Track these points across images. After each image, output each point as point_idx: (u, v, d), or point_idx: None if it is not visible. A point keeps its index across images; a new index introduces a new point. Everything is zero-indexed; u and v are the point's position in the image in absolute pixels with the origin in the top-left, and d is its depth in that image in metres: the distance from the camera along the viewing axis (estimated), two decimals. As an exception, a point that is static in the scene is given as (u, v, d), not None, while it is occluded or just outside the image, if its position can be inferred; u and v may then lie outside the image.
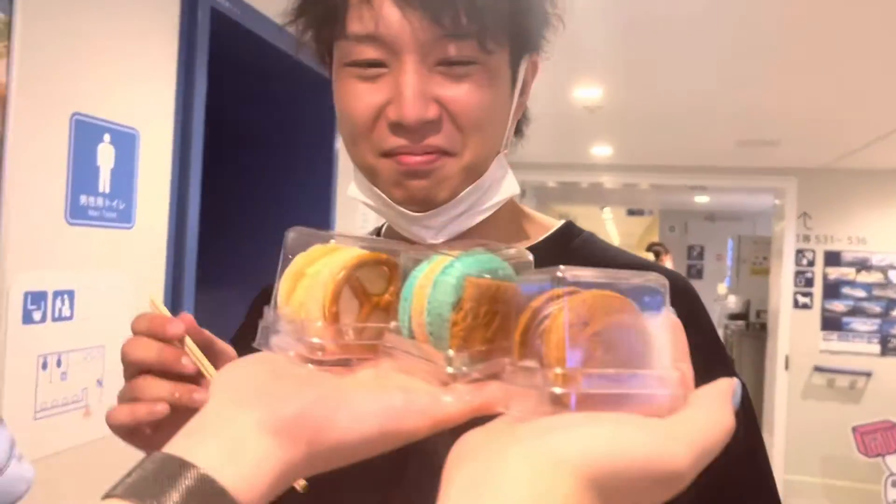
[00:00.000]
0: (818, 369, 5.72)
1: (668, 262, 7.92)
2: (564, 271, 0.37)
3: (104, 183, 1.67)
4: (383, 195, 0.70)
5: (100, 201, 1.66)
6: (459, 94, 0.65)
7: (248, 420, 0.38)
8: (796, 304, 5.78)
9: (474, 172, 0.70)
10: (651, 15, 2.59)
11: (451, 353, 0.41)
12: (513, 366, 0.39)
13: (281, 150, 2.80)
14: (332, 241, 0.49)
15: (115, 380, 1.69)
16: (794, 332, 5.78)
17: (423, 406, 0.40)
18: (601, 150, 5.53)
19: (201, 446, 0.36)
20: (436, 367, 0.41)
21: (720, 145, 5.10)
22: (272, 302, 0.47)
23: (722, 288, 8.94)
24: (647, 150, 5.57)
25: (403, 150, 0.66)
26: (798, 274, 5.78)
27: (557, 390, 0.35)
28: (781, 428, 5.74)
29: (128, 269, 1.76)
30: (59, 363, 1.56)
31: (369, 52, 0.64)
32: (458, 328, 0.41)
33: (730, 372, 0.75)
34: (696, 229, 10.36)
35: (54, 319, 1.54)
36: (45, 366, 1.52)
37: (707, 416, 0.36)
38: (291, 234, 0.48)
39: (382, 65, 0.65)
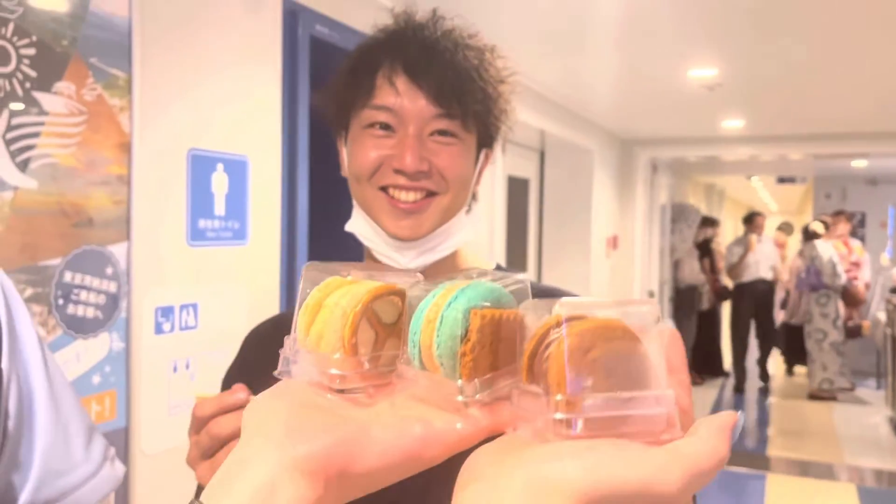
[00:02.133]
0: None
1: (839, 233, 7.44)
2: (564, 303, 0.41)
3: (219, 206, 1.91)
4: (378, 225, 0.91)
5: (216, 223, 1.90)
6: (445, 157, 0.89)
7: (278, 461, 0.41)
8: (962, 278, 5.30)
9: (449, 213, 0.91)
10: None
11: (460, 382, 0.44)
12: (520, 389, 0.42)
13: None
14: (349, 276, 0.54)
15: (236, 379, 1.94)
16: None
17: (440, 434, 0.44)
18: (732, 123, 5.33)
19: (234, 494, 0.40)
20: (448, 395, 0.44)
21: (872, 109, 4.77)
22: (292, 332, 0.51)
23: (884, 259, 8.30)
24: (785, 119, 5.30)
25: (400, 186, 0.88)
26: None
27: (560, 416, 0.38)
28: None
29: (244, 280, 2.00)
30: (187, 366, 1.81)
31: (384, 117, 0.88)
32: (467, 359, 0.44)
33: None
34: (855, 195, 9.63)
35: (182, 329, 1.80)
36: (175, 369, 1.78)
37: (703, 445, 0.39)
38: (308, 269, 0.53)
39: (391, 129, 0.88)
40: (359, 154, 0.90)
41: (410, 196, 0.88)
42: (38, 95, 1.41)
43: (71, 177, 1.48)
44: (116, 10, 1.57)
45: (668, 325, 0.45)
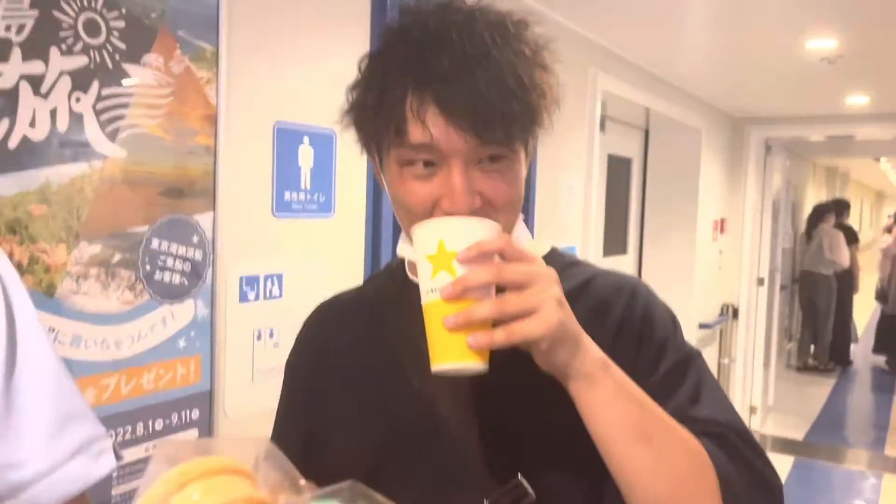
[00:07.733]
0: None
1: None
2: None
3: (305, 180, 1.93)
4: None
5: (301, 196, 1.92)
6: (495, 186, 0.84)
7: None
8: None
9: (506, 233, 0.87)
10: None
11: None
12: None
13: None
14: (215, 460, 0.42)
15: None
16: None
17: None
18: (856, 100, 4.96)
19: None
20: None
21: None
22: None
23: None
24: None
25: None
26: None
27: None
28: None
29: (330, 252, 2.02)
30: (271, 335, 1.85)
31: (424, 156, 0.82)
32: None
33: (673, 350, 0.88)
34: None
35: (266, 298, 1.84)
36: (259, 337, 1.82)
37: None
38: (159, 450, 0.43)
39: (433, 164, 0.83)
40: (404, 194, 0.85)
41: None
42: (127, 67, 1.45)
43: (158, 147, 1.53)
44: (204, -16, 1.60)
45: None
